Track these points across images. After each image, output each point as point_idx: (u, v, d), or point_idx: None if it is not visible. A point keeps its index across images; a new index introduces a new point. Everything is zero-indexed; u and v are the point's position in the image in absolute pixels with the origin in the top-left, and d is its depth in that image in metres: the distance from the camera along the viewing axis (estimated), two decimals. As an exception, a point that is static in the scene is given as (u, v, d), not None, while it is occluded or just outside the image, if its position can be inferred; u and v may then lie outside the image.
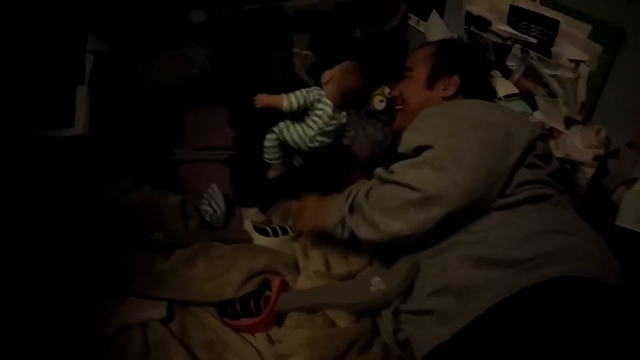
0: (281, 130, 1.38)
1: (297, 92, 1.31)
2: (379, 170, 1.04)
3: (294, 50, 1.96)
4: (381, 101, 1.91)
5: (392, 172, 1.00)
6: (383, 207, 0.96)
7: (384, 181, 0.99)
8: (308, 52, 2.07)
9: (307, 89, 1.34)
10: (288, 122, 1.37)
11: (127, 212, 1.21)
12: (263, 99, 1.30)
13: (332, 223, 1.06)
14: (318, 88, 1.36)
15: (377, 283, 0.99)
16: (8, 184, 1.03)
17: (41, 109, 1.13)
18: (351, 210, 1.03)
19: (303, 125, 1.36)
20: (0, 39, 1.06)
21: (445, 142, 0.95)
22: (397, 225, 0.93)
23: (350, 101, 1.37)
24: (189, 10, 1.97)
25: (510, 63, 1.40)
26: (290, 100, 1.30)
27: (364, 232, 0.99)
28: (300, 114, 1.35)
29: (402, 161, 1.01)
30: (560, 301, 0.79)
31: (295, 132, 1.37)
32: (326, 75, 1.35)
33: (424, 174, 0.92)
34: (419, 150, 0.99)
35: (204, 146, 1.61)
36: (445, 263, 0.92)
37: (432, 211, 0.90)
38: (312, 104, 1.34)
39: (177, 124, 1.70)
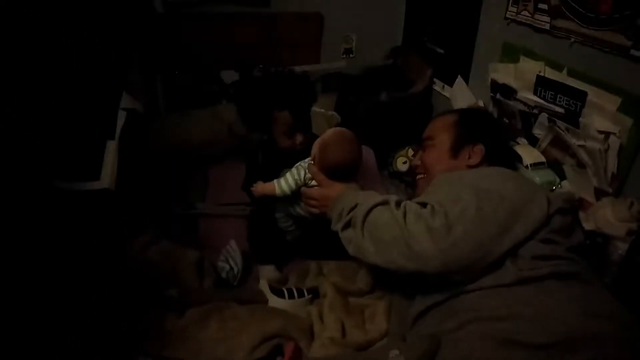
0: (286, 207, 1.38)
1: (287, 174, 1.28)
2: (391, 197, 1.06)
3: (318, 110, 2.01)
4: (404, 162, 1.92)
5: (399, 206, 1.02)
6: (374, 235, 1.00)
7: (388, 208, 1.01)
8: (334, 113, 2.11)
9: (298, 166, 1.29)
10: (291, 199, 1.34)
11: (145, 267, 1.21)
12: (257, 189, 1.30)
13: (334, 223, 1.13)
14: (310, 162, 1.28)
15: (396, 356, 0.93)
16: (31, 234, 1.04)
17: (69, 161, 1.16)
18: (348, 224, 1.07)
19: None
20: (37, 87, 1.10)
21: (445, 206, 0.96)
22: (379, 259, 0.99)
23: (341, 174, 1.22)
24: (221, 70, 2.06)
25: (537, 131, 1.39)
26: (280, 186, 1.27)
27: (352, 250, 1.06)
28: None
29: (411, 202, 1.03)
30: None
31: (298, 207, 1.34)
32: (313, 150, 1.27)
33: (418, 227, 0.94)
34: (425, 205, 1.00)
35: (226, 202, 1.61)
36: (469, 342, 0.87)
37: (409, 264, 0.94)
38: (306, 181, 1.27)
39: (201, 179, 1.72)
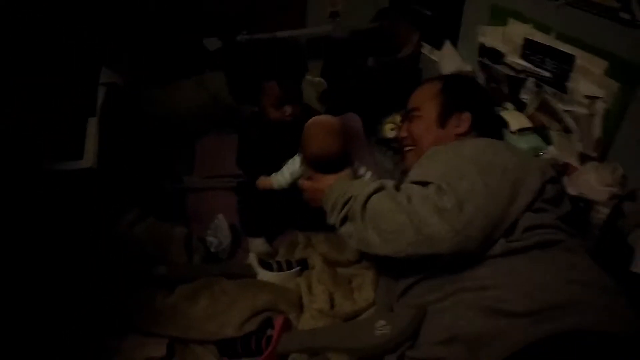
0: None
1: (284, 167, 1.25)
2: (387, 182, 1.03)
3: (305, 77, 1.97)
4: (392, 129, 1.90)
5: (399, 190, 0.98)
6: (378, 226, 0.95)
7: (388, 194, 0.97)
8: (320, 79, 2.07)
9: (292, 159, 1.25)
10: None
11: (132, 245, 1.21)
12: (260, 184, 1.28)
13: (329, 217, 1.08)
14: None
15: (382, 327, 0.96)
16: (15, 215, 1.04)
17: (51, 141, 1.14)
18: (345, 219, 1.02)
19: None
20: (13, 69, 1.07)
21: (451, 183, 0.93)
22: (386, 249, 0.94)
23: (326, 165, 1.17)
24: (203, 38, 2.00)
25: (524, 96, 1.37)
26: (278, 180, 1.25)
27: (356, 244, 1.01)
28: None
29: (411, 185, 1.00)
30: (572, 355, 0.76)
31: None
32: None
33: (427, 210, 0.90)
34: (426, 184, 0.97)
35: (214, 174, 1.60)
36: (454, 311, 0.89)
37: (421, 249, 0.90)
38: (302, 173, 1.23)
39: (187, 152, 1.70)
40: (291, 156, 1.25)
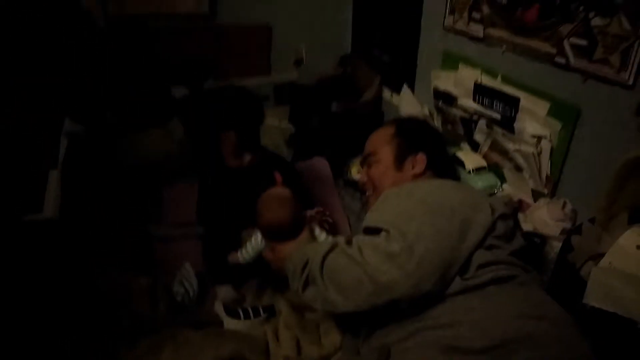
0: None
1: (247, 244, 1.29)
2: (339, 239, 1.05)
3: (272, 123, 2.02)
4: (359, 172, 1.95)
5: (350, 244, 1.01)
6: (337, 283, 0.97)
7: (341, 251, 0.99)
8: (288, 124, 2.13)
9: (254, 235, 1.29)
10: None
11: (95, 296, 1.19)
12: (229, 259, 1.32)
13: (292, 285, 1.08)
14: None
15: (347, 370, 0.96)
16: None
17: (11, 194, 1.13)
18: (306, 283, 1.04)
19: None
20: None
21: (400, 227, 0.96)
22: (350, 305, 0.96)
23: (280, 233, 1.21)
24: (171, 85, 2.04)
25: (478, 137, 1.44)
26: (243, 255, 1.29)
27: (321, 306, 1.02)
28: None
29: (361, 236, 1.03)
30: None
31: None
32: None
33: (378, 259, 0.93)
34: (378, 231, 1.00)
35: (180, 222, 1.60)
36: (415, 351, 0.90)
37: (382, 297, 0.92)
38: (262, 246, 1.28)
39: (153, 201, 1.70)
40: (250, 202, 1.27)
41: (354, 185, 1.95)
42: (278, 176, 1.39)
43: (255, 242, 1.28)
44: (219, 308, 1.23)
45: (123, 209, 1.58)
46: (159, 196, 1.73)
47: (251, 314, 1.21)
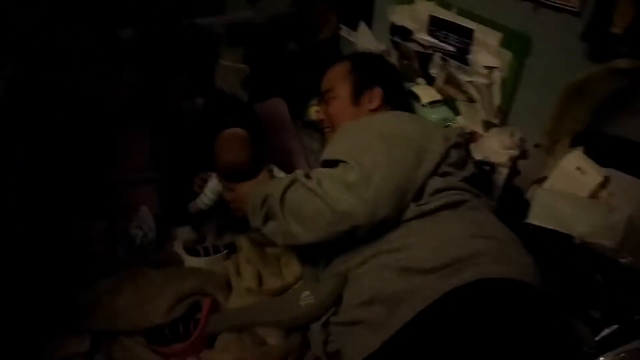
0: None
1: (205, 189, 1.28)
2: (298, 173, 1.07)
3: (227, 64, 1.96)
4: (317, 111, 1.94)
5: (309, 178, 1.03)
6: (297, 214, 0.99)
7: (301, 185, 1.01)
8: (243, 65, 2.06)
9: (210, 179, 1.28)
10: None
11: (52, 241, 1.16)
12: (190, 209, 1.32)
13: (252, 221, 1.10)
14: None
15: (307, 297, 0.99)
16: None
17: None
18: (267, 218, 1.06)
19: None
20: None
21: (357, 158, 0.99)
22: (310, 235, 0.99)
23: (238, 173, 1.22)
24: (117, 28, 1.93)
25: (433, 71, 1.45)
26: (202, 201, 1.28)
27: (281, 240, 1.04)
28: None
29: (320, 169, 1.05)
30: (480, 303, 0.83)
31: None
32: None
33: (336, 189, 0.95)
34: (336, 163, 1.01)
35: (134, 167, 1.56)
36: (371, 274, 0.94)
37: (342, 225, 0.95)
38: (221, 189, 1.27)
39: (106, 147, 1.64)
40: (204, 146, 1.26)
41: (313, 125, 1.94)
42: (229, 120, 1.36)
43: (213, 185, 1.28)
44: (178, 247, 1.23)
45: (76, 155, 1.53)
46: (112, 142, 1.67)
47: (211, 251, 1.23)
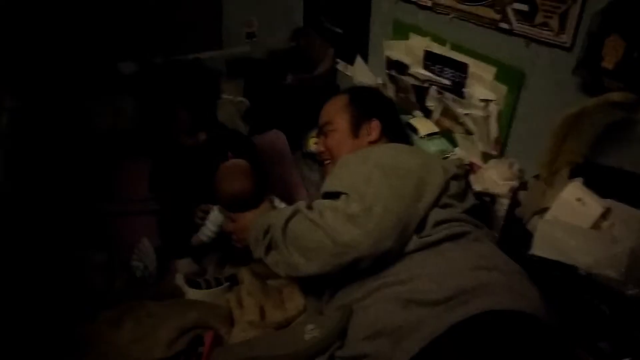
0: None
1: (207, 222, 1.29)
2: (300, 204, 1.08)
3: (227, 97, 1.99)
4: (315, 143, 1.96)
5: (311, 209, 1.04)
6: (300, 246, 1.00)
7: (303, 216, 1.02)
8: (243, 98, 2.10)
9: (212, 211, 1.30)
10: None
11: (49, 273, 1.15)
12: (193, 243, 1.33)
13: (254, 251, 1.11)
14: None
15: (311, 330, 0.98)
16: None
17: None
18: (269, 248, 1.07)
19: None
20: None
21: (358, 190, 1.00)
22: (313, 267, 0.99)
23: (240, 204, 1.24)
24: (117, 62, 1.96)
25: (430, 103, 1.48)
26: (204, 233, 1.30)
27: (283, 271, 1.05)
28: None
29: (322, 200, 1.06)
30: (486, 336, 0.83)
31: None
32: None
33: (338, 221, 0.96)
34: (337, 195, 1.02)
35: (134, 198, 1.56)
36: (375, 307, 0.94)
37: (344, 258, 0.95)
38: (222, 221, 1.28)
39: (106, 177, 1.65)
40: (204, 179, 1.28)
41: (312, 157, 1.96)
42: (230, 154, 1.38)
43: (213, 216, 1.29)
44: (179, 280, 1.22)
45: (74, 185, 1.53)
46: (112, 172, 1.68)
47: (213, 284, 1.22)
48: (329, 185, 1.13)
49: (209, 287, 1.21)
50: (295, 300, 1.17)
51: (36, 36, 1.68)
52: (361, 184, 1.02)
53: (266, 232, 1.07)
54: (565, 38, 1.06)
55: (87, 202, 1.49)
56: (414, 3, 1.48)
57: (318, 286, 1.15)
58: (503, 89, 1.23)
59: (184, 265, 1.38)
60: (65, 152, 1.59)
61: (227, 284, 1.23)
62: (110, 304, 1.10)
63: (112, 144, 1.71)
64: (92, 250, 1.28)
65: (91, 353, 0.99)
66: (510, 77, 1.21)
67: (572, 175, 1.05)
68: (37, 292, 1.08)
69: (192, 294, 1.19)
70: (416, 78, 1.48)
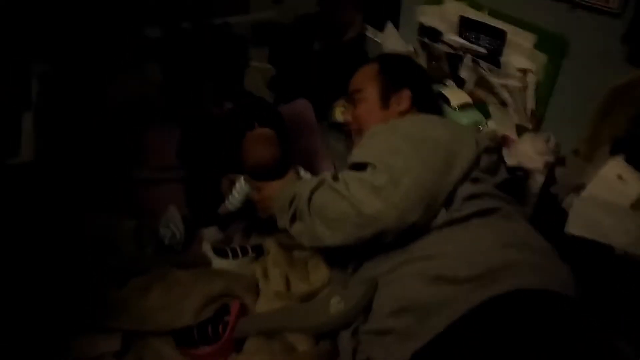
0: None
1: (233, 191, 1.27)
2: (326, 174, 1.07)
3: (253, 64, 1.96)
4: (342, 113, 1.92)
5: (337, 179, 1.02)
6: (324, 216, 0.99)
7: (328, 186, 1.01)
8: (268, 65, 2.06)
9: (238, 181, 1.27)
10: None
11: (80, 240, 1.18)
12: (220, 212, 1.31)
13: (279, 221, 1.12)
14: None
15: (336, 303, 0.98)
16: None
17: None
18: (294, 218, 1.06)
19: None
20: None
21: (386, 161, 0.98)
22: (336, 238, 0.98)
23: (267, 172, 1.24)
24: (144, 26, 1.94)
25: (463, 73, 1.43)
26: (231, 203, 1.27)
27: (307, 241, 1.05)
28: None
29: (348, 171, 1.04)
30: (515, 315, 0.81)
31: None
32: None
33: (364, 192, 0.94)
34: (365, 166, 1.01)
35: (163, 166, 1.57)
36: (402, 282, 0.93)
37: (368, 230, 0.94)
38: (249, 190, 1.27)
39: (134, 145, 1.66)
40: (231, 148, 1.27)
41: (338, 127, 1.93)
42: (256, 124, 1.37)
43: (240, 186, 1.28)
44: (206, 248, 1.23)
45: (104, 153, 1.55)
46: (140, 140, 1.69)
47: (239, 253, 1.22)
48: (356, 155, 1.11)
49: (235, 256, 1.22)
50: (320, 273, 1.16)
51: (63, 1, 1.67)
52: (389, 156, 0.99)
53: (291, 201, 1.07)
54: (614, 3, 0.99)
55: (116, 169, 1.50)
56: (450, -35, 1.40)
57: (343, 259, 1.15)
58: (543, 58, 1.16)
59: (211, 233, 1.39)
60: (94, 119, 1.60)
61: (253, 254, 1.24)
62: (139, 271, 1.12)
63: (140, 111, 1.72)
64: (122, 217, 1.29)
65: (120, 319, 1.01)
66: (552, 46, 1.14)
67: (614, 151, 1.00)
68: (68, 259, 1.11)
69: (219, 263, 1.20)
70: (450, 46, 1.42)
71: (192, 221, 1.40)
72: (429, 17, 1.49)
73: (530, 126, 1.24)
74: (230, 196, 1.29)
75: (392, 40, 1.74)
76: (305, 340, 0.97)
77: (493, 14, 1.29)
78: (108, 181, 1.50)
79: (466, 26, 1.35)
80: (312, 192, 1.02)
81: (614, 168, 0.96)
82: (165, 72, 1.44)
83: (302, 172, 1.30)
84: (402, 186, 0.93)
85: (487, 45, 1.29)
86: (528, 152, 1.18)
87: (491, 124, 1.35)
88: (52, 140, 1.31)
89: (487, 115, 1.38)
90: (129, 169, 1.56)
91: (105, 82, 1.71)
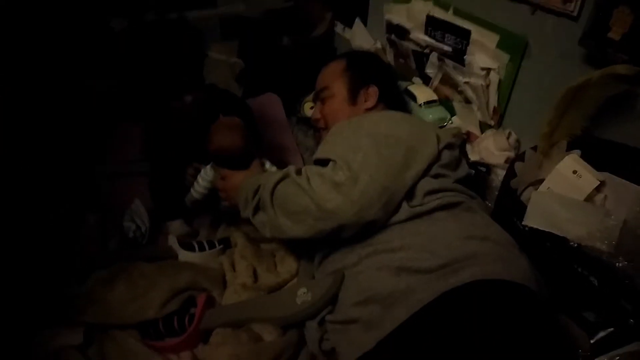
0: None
1: (198, 178, 1.28)
2: (291, 168, 1.08)
3: (220, 58, 1.94)
4: (311, 108, 1.93)
5: (300, 174, 1.04)
6: (286, 209, 1.01)
7: (291, 180, 1.03)
8: (237, 59, 2.04)
9: (204, 169, 1.28)
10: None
11: (43, 234, 1.14)
12: (187, 202, 1.32)
13: (242, 211, 1.12)
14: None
15: (303, 294, 0.99)
16: None
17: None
18: (257, 208, 1.07)
19: None
20: None
21: (347, 158, 1.00)
22: (298, 230, 1.00)
23: (231, 161, 1.25)
24: (110, 18, 1.89)
25: (430, 70, 1.46)
26: (196, 191, 1.28)
27: (269, 232, 1.06)
28: None
29: (311, 166, 1.06)
30: (475, 304, 0.84)
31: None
32: None
33: (325, 187, 0.96)
34: (328, 162, 1.03)
35: (126, 159, 1.54)
36: (368, 274, 0.95)
37: (327, 224, 0.96)
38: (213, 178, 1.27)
39: (97, 139, 1.62)
40: (196, 139, 1.26)
41: (307, 122, 1.93)
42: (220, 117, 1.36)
43: (205, 172, 1.27)
44: (172, 241, 1.22)
45: (67, 148, 1.50)
46: (105, 134, 1.65)
47: (206, 246, 1.21)
48: (320, 152, 1.13)
49: (202, 249, 1.21)
50: (288, 264, 1.17)
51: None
52: (350, 152, 1.01)
53: (255, 192, 1.08)
54: (573, 7, 1.03)
55: (80, 164, 1.46)
56: (418, -35, 1.43)
57: (310, 251, 1.16)
58: (505, 57, 1.20)
59: (176, 227, 1.37)
60: (56, 114, 1.55)
61: (220, 246, 1.23)
62: (103, 265, 1.10)
63: (105, 106, 1.67)
64: (85, 212, 1.26)
65: (84, 313, 0.99)
66: (513, 46, 1.18)
67: (570, 148, 1.04)
68: (31, 254, 1.08)
69: (185, 256, 1.18)
70: (416, 43, 1.45)
71: (157, 215, 1.38)
72: (397, 15, 1.52)
73: (492, 123, 1.28)
74: (195, 183, 1.28)
75: (360, 37, 1.76)
76: (272, 331, 0.97)
77: (458, 13, 1.32)
78: (72, 176, 1.46)
79: (433, 25, 1.38)
80: (275, 184, 1.04)
81: (570, 164, 1.00)
82: (129, 66, 1.40)
83: (268, 165, 1.31)
84: (361, 182, 0.95)
85: (453, 44, 1.33)
86: (490, 148, 1.22)
87: (456, 121, 1.39)
88: (14, 135, 1.26)
89: (452, 111, 1.42)
90: (92, 163, 1.52)
91: (70, 77, 1.66)
